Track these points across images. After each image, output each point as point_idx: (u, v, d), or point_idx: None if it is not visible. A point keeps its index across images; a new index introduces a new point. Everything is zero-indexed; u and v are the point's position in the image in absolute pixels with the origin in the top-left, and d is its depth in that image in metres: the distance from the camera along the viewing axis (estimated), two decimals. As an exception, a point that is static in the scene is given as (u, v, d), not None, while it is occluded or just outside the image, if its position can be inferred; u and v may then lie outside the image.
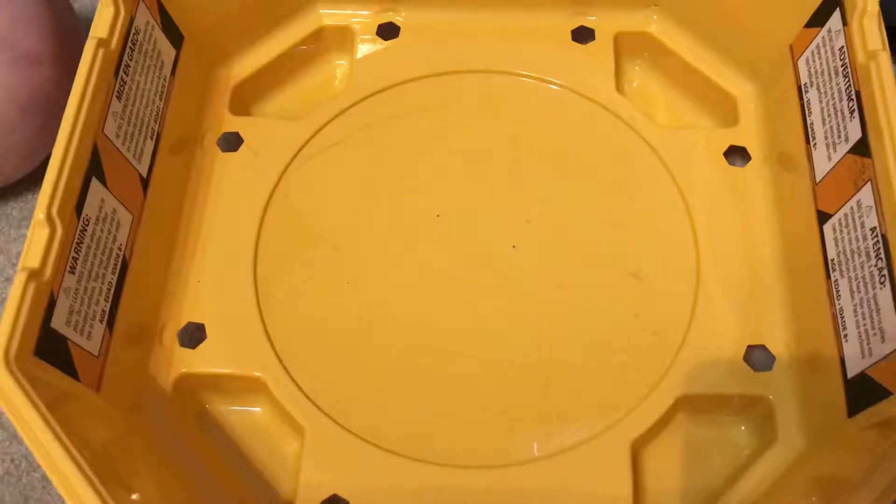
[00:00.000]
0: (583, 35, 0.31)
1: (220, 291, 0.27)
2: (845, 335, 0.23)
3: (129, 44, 0.26)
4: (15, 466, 0.26)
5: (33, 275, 0.21)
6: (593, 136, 0.29)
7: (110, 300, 0.24)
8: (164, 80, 0.28)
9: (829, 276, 0.24)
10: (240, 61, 0.31)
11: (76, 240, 0.22)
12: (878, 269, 0.22)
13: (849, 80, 0.24)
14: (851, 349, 0.23)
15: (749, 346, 0.25)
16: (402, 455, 0.24)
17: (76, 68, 0.24)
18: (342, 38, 0.31)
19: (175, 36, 0.28)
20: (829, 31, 0.26)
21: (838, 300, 0.23)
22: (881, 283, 0.22)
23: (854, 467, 0.20)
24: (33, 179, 0.31)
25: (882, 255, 0.22)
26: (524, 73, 0.30)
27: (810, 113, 0.26)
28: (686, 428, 0.25)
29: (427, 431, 0.25)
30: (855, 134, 0.24)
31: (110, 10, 0.25)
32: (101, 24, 0.25)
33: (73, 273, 0.22)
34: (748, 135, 0.29)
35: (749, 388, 0.25)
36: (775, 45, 0.28)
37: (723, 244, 0.27)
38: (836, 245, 0.24)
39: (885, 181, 0.22)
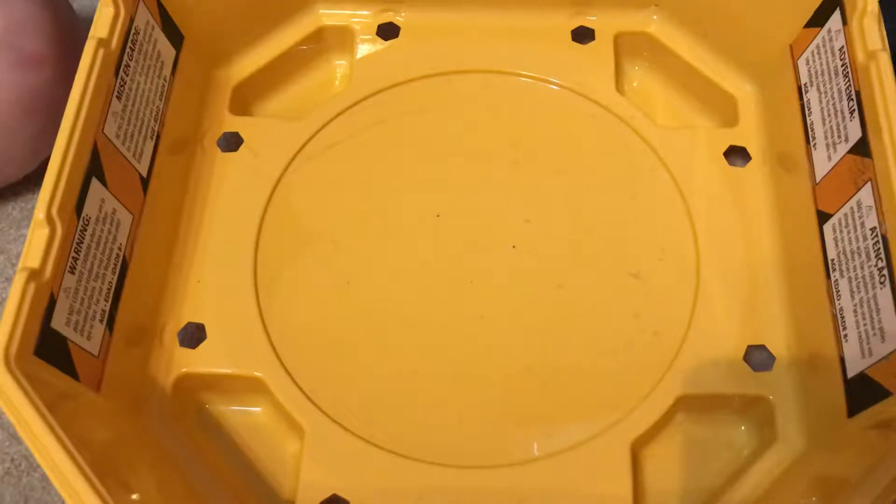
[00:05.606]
0: (583, 35, 0.31)
1: (220, 291, 0.27)
2: (845, 335, 0.23)
3: (129, 44, 0.26)
4: (15, 466, 0.26)
5: (33, 275, 0.21)
6: (593, 136, 0.29)
7: (110, 300, 0.24)
8: (164, 80, 0.28)
9: (829, 276, 0.24)
10: (240, 61, 0.31)
11: (76, 240, 0.22)
12: (878, 269, 0.22)
13: (849, 80, 0.24)
14: (851, 349, 0.23)
15: (749, 346, 0.25)
16: (402, 455, 0.24)
17: (76, 69, 0.24)
18: (342, 38, 0.31)
19: (175, 36, 0.28)
20: (829, 31, 0.26)
21: (838, 300, 0.23)
22: (881, 283, 0.22)
23: (854, 467, 0.20)
24: (33, 179, 0.31)
25: (882, 255, 0.22)
26: (524, 73, 0.30)
27: (810, 113, 0.26)
28: (686, 428, 0.25)
29: (427, 431, 0.25)
30: (855, 134, 0.24)
31: (110, 10, 0.25)
32: (101, 24, 0.25)
33: (73, 273, 0.22)
34: (748, 135, 0.29)
35: (749, 388, 0.25)
36: (775, 45, 0.28)
37: (723, 244, 0.27)
38: (836, 245, 0.24)
39: (885, 181, 0.22)
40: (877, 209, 0.22)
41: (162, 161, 0.27)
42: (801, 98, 0.27)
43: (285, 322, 0.26)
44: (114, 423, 0.23)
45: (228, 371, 0.25)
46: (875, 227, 0.22)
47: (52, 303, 0.21)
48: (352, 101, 0.30)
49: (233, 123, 0.30)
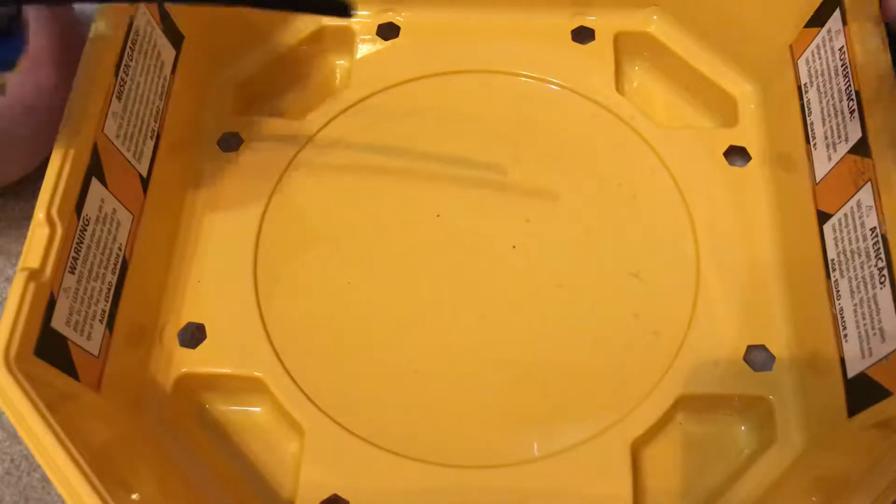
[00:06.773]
0: (583, 35, 0.31)
1: (220, 291, 0.27)
2: (845, 335, 0.23)
3: (129, 44, 0.26)
4: (15, 466, 0.26)
5: (33, 275, 0.21)
6: (593, 136, 0.29)
7: (110, 300, 0.24)
8: (164, 80, 0.28)
9: (829, 276, 0.24)
10: (240, 61, 0.31)
11: (76, 240, 0.22)
12: (878, 269, 0.22)
13: (849, 80, 0.24)
14: (851, 349, 0.23)
15: (749, 346, 0.25)
16: (402, 455, 0.24)
17: (76, 68, 0.24)
18: (342, 38, 0.31)
19: (175, 36, 0.28)
20: (829, 31, 0.26)
21: (838, 300, 0.23)
22: (881, 283, 0.22)
23: (854, 467, 0.20)
24: (33, 179, 0.31)
25: (882, 255, 0.22)
26: (524, 73, 0.30)
27: (810, 113, 0.26)
28: (686, 428, 0.25)
29: (427, 431, 0.25)
30: (855, 134, 0.24)
31: (110, 10, 0.25)
32: (102, 24, 0.25)
33: (73, 273, 0.22)
34: (748, 135, 0.29)
35: (749, 388, 0.25)
36: (775, 45, 0.28)
37: (723, 244, 0.27)
38: (836, 245, 0.24)
39: (885, 181, 0.22)
40: (877, 209, 0.22)
41: (162, 161, 0.27)
42: (801, 98, 0.27)
43: (285, 322, 0.26)
44: (114, 423, 0.23)
45: (228, 371, 0.25)
46: (875, 227, 0.22)
47: (52, 303, 0.21)
48: (352, 101, 0.30)
49: (233, 123, 0.30)
